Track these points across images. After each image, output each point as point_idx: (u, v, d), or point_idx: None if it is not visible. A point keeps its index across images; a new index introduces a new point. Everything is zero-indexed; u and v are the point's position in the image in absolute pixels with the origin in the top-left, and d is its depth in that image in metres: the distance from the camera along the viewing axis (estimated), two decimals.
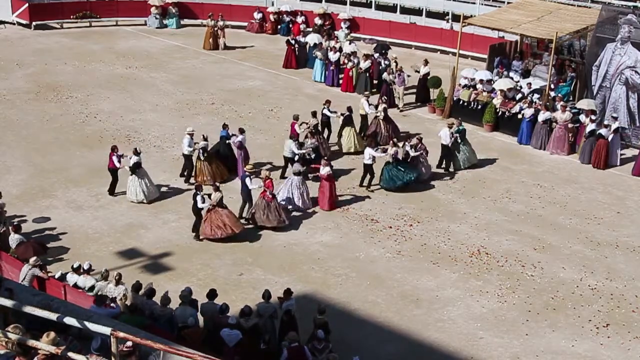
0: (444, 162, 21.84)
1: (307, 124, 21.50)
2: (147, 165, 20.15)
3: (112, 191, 19.39)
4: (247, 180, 18.25)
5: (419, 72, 27.07)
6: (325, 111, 22.62)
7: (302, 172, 19.42)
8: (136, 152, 19.17)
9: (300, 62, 31.05)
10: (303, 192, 19.15)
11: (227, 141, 20.80)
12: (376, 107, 23.48)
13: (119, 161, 18.99)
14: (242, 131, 20.77)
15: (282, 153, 20.87)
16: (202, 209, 17.48)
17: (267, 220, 18.09)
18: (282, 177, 20.47)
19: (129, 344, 7.34)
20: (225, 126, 21.05)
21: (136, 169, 19.06)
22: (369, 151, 20.18)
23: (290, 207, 18.88)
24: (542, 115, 23.46)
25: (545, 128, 23.51)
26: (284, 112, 25.53)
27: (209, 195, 17.77)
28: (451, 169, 21.84)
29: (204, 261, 16.74)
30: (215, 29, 33.09)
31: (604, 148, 22.39)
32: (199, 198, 17.47)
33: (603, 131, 22.41)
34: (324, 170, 19.21)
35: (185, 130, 20.45)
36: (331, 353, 12.45)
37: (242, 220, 18.21)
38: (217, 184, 18.53)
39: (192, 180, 20.14)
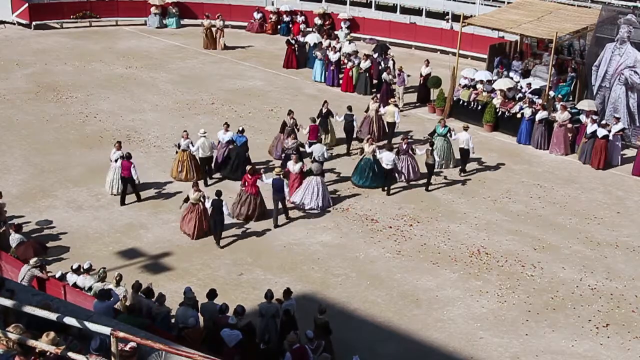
0: (463, 165, 21.54)
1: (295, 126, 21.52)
2: (147, 165, 20.12)
3: (122, 201, 18.96)
4: (284, 185, 17.87)
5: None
6: (355, 124, 22.48)
7: (322, 171, 19.26)
8: (119, 147, 19.25)
9: (300, 62, 31.07)
10: (322, 192, 18.88)
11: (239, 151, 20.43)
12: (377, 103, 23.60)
13: (135, 171, 18.70)
14: (228, 126, 20.86)
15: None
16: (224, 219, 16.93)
17: (237, 212, 18.28)
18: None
19: (131, 344, 7.32)
20: (242, 131, 20.65)
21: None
22: (390, 156, 19.90)
23: (307, 207, 18.63)
24: (539, 115, 23.47)
25: (541, 127, 23.52)
26: (284, 112, 25.40)
27: (187, 199, 17.69)
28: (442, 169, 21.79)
29: (204, 261, 16.74)
30: (212, 27, 33.08)
31: (604, 149, 22.39)
32: (224, 207, 16.92)
33: (601, 131, 22.40)
34: (296, 168, 19.21)
35: (198, 133, 20.12)
36: (324, 353, 12.43)
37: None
38: (197, 182, 18.54)
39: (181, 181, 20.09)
